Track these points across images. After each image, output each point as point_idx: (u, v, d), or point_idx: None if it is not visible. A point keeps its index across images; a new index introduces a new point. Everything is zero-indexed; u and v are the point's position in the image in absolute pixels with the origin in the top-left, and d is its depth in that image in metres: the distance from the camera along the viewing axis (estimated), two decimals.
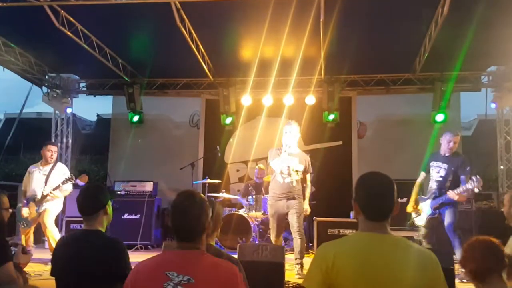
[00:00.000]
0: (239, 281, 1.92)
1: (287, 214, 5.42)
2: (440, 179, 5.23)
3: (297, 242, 5.37)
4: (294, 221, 5.36)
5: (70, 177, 5.85)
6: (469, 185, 4.84)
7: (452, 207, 5.12)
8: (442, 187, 5.18)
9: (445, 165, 5.24)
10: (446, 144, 5.27)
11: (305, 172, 5.43)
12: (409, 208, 5.44)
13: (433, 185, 5.30)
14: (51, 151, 6.02)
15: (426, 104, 8.52)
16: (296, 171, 5.33)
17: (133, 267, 2.06)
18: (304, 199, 5.47)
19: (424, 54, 7.29)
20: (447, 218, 5.07)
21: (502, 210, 3.29)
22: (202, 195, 2.13)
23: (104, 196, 2.74)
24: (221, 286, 1.87)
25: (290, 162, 5.29)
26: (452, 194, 4.96)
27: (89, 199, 2.68)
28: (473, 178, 4.82)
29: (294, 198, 5.35)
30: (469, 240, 2.38)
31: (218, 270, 1.92)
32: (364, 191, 1.95)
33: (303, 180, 5.49)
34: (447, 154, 5.28)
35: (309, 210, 5.64)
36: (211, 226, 2.14)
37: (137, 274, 1.94)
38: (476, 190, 4.86)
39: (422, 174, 5.54)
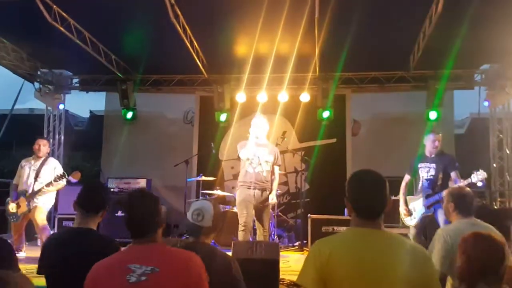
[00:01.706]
0: (200, 268, 1.96)
1: (254, 205, 5.41)
2: (431, 177, 5.31)
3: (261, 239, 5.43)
4: (264, 217, 5.42)
5: (62, 174, 5.80)
6: (473, 178, 4.89)
7: None
8: (434, 186, 5.24)
9: (433, 165, 5.33)
10: (431, 144, 5.38)
11: (274, 163, 5.50)
12: (402, 211, 5.45)
13: (424, 184, 5.36)
14: (39, 144, 5.98)
15: (419, 102, 8.55)
16: (266, 161, 5.42)
17: None
18: (271, 191, 5.50)
19: (418, 52, 7.30)
20: (442, 216, 5.09)
21: (495, 207, 3.34)
22: (152, 193, 2.21)
23: (108, 197, 2.77)
24: (185, 273, 1.90)
25: (260, 153, 5.39)
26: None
27: (97, 197, 2.69)
28: (476, 172, 4.86)
29: (265, 190, 5.42)
30: (466, 235, 2.30)
31: (180, 258, 1.96)
32: (355, 189, 1.96)
33: (272, 172, 5.55)
34: (433, 155, 5.37)
35: (275, 199, 5.68)
36: (162, 223, 2.16)
37: (96, 272, 1.94)
38: (480, 184, 4.92)
39: (407, 177, 5.62)
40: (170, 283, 1.86)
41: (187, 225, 2.58)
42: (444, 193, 3.54)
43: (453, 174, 5.18)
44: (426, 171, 5.37)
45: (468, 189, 3.45)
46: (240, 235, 5.37)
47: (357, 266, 1.79)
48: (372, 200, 1.90)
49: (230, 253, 4.22)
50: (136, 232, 2.03)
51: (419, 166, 5.46)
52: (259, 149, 5.39)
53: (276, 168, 5.59)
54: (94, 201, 2.66)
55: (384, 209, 1.90)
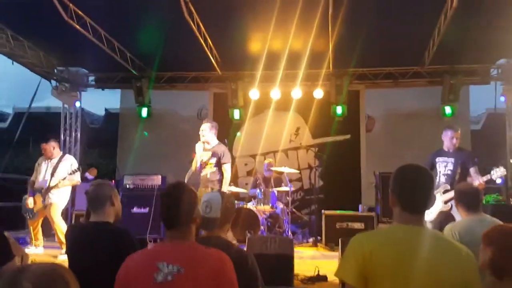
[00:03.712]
0: (228, 269, 1.94)
1: None
2: (449, 172, 5.25)
3: None
4: None
5: (77, 168, 5.88)
6: (493, 175, 4.85)
7: None
8: (452, 181, 5.18)
9: (452, 159, 5.27)
10: (449, 140, 5.31)
11: (218, 162, 5.77)
12: None
13: (441, 179, 5.30)
14: (45, 149, 6.09)
15: (434, 98, 8.49)
16: (210, 163, 5.75)
17: None
18: (220, 187, 5.72)
19: (433, 47, 7.23)
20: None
21: None
22: (191, 188, 2.18)
23: (107, 188, 2.83)
24: (211, 275, 1.88)
25: (203, 157, 5.76)
26: (477, 183, 4.95)
27: (95, 194, 2.79)
28: (496, 168, 4.82)
29: (212, 189, 5.61)
30: (489, 229, 2.27)
31: (208, 259, 1.93)
32: (405, 183, 1.92)
33: (219, 171, 5.81)
34: (451, 150, 5.31)
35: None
36: (199, 217, 2.17)
37: (128, 266, 1.95)
38: (499, 181, 4.87)
39: None
40: (194, 285, 1.85)
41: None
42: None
43: (472, 170, 5.12)
44: (444, 166, 5.30)
45: (475, 185, 3.44)
46: None
47: (400, 262, 1.75)
48: (422, 195, 1.89)
49: (245, 248, 4.27)
50: (170, 223, 2.03)
51: (436, 160, 5.38)
52: (203, 154, 5.78)
53: (226, 166, 5.80)
54: (95, 197, 2.78)
55: (430, 206, 1.91)
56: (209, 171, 5.76)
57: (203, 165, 5.77)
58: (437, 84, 8.42)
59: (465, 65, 8.21)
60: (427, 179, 1.92)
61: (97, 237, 2.61)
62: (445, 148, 5.37)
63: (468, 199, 3.24)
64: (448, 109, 8.25)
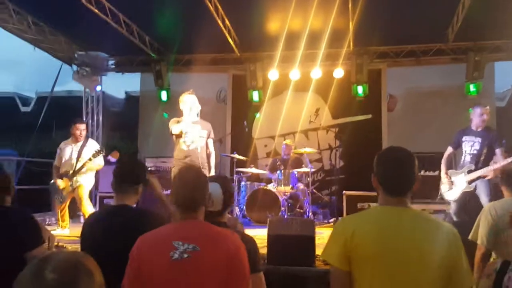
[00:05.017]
0: (242, 256, 1.94)
1: None
2: (475, 152, 5.15)
3: None
4: None
5: (99, 149, 5.95)
6: None
7: (488, 181, 5.02)
8: (478, 161, 5.09)
9: (479, 139, 5.16)
10: (478, 117, 5.19)
11: (208, 137, 5.44)
12: (445, 182, 5.34)
13: (467, 158, 5.21)
14: (79, 129, 6.12)
15: (458, 75, 8.29)
16: (201, 136, 5.35)
17: None
18: (209, 169, 5.38)
19: (457, 23, 7.04)
20: (483, 191, 4.97)
21: None
22: (202, 170, 2.20)
23: (144, 173, 2.78)
24: (226, 254, 1.89)
25: (192, 129, 5.32)
26: (497, 166, 4.86)
27: (134, 169, 2.74)
28: None
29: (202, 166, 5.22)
30: None
31: (222, 239, 1.95)
32: (383, 166, 1.94)
33: (206, 147, 5.46)
34: (479, 129, 5.20)
35: None
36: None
37: (142, 245, 1.96)
38: None
39: (449, 149, 5.46)
40: (210, 263, 1.87)
41: None
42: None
43: (498, 151, 5.02)
44: (470, 145, 5.20)
45: None
46: None
47: (381, 242, 1.78)
48: (400, 177, 1.89)
49: (266, 230, 4.30)
50: (181, 206, 2.04)
51: (463, 139, 5.28)
52: (192, 126, 5.33)
53: (210, 142, 5.50)
54: (129, 173, 2.68)
55: (411, 186, 1.88)
56: (199, 144, 5.33)
57: (192, 138, 5.32)
58: (461, 62, 8.22)
59: (490, 41, 7.97)
60: (408, 161, 1.91)
61: (119, 220, 2.54)
62: (473, 127, 5.25)
63: (509, 179, 3.15)
64: (472, 87, 8.07)
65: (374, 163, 1.97)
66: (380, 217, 1.88)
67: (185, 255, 1.86)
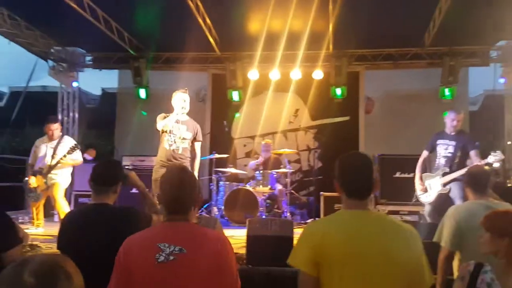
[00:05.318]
0: (229, 250, 1.97)
1: None
2: (449, 155, 5.28)
3: None
4: None
5: (74, 145, 5.82)
6: (490, 159, 4.86)
7: (462, 183, 5.14)
8: (452, 164, 5.22)
9: (453, 142, 5.29)
10: (450, 122, 5.34)
11: (194, 140, 5.33)
12: (418, 187, 5.46)
13: (441, 161, 5.34)
14: (51, 129, 5.99)
15: (434, 79, 8.47)
16: (183, 138, 5.24)
17: None
18: (192, 166, 5.23)
19: (433, 28, 7.19)
20: (457, 193, 5.09)
21: (509, 185, 3.35)
22: (191, 171, 2.18)
23: (121, 172, 2.78)
24: (212, 256, 1.90)
25: (178, 130, 5.23)
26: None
27: (110, 171, 2.72)
28: (493, 153, 4.84)
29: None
30: (504, 216, 2.33)
31: (209, 240, 1.95)
32: (342, 170, 2.01)
33: (192, 149, 5.36)
34: (452, 133, 5.33)
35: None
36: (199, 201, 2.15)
37: (128, 248, 1.94)
38: (496, 165, 4.90)
39: (424, 153, 5.59)
40: (197, 265, 1.86)
41: None
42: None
43: (472, 153, 5.15)
44: (444, 148, 5.33)
45: (485, 168, 3.43)
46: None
47: (350, 247, 1.81)
48: (358, 180, 1.95)
49: (244, 230, 4.31)
50: (169, 208, 2.02)
51: (437, 142, 5.41)
52: (178, 126, 5.23)
53: (197, 145, 5.40)
54: (106, 176, 2.67)
55: (371, 189, 1.96)
56: (181, 145, 5.23)
57: (174, 140, 5.20)
58: (436, 66, 8.39)
59: (465, 47, 8.17)
60: (366, 167, 1.98)
61: (98, 218, 2.54)
62: (447, 130, 5.39)
63: (473, 182, 3.22)
64: (447, 91, 8.26)
65: (335, 168, 2.03)
66: (347, 221, 1.92)
67: (171, 257, 1.85)
